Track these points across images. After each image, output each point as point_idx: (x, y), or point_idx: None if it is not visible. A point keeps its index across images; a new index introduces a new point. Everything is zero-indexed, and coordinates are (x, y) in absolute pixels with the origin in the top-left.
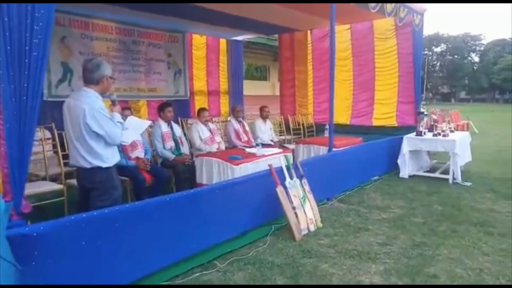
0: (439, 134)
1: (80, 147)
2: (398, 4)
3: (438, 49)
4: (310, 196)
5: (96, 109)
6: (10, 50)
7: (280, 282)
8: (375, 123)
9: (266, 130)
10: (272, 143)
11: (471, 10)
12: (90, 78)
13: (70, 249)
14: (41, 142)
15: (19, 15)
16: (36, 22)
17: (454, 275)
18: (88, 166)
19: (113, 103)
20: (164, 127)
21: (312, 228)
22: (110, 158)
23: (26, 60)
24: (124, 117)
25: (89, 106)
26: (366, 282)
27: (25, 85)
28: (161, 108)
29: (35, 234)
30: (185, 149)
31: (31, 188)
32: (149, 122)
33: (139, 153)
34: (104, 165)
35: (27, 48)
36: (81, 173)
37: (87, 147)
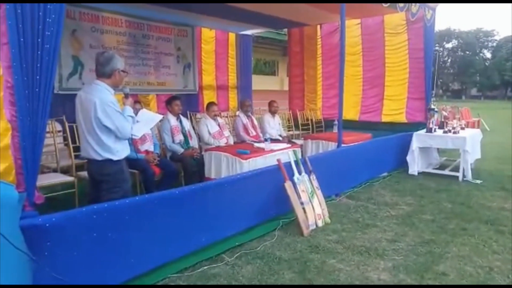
0: (450, 131)
1: (91, 140)
2: None
3: (449, 45)
4: (319, 191)
5: (107, 103)
6: (23, 42)
7: (287, 276)
8: (385, 119)
9: (274, 125)
10: (280, 138)
11: (484, 6)
12: (102, 71)
13: (82, 240)
14: (52, 134)
15: (32, 7)
16: (49, 14)
17: (464, 273)
18: (99, 158)
19: (126, 96)
20: (173, 120)
21: (320, 223)
22: (120, 151)
23: (39, 52)
24: (136, 110)
25: (100, 100)
26: (374, 278)
27: (38, 77)
28: (169, 101)
29: (47, 225)
30: (194, 142)
31: (42, 180)
32: (160, 116)
33: (148, 146)
34: (114, 158)
35: (39, 40)
36: (92, 165)
37: (98, 140)
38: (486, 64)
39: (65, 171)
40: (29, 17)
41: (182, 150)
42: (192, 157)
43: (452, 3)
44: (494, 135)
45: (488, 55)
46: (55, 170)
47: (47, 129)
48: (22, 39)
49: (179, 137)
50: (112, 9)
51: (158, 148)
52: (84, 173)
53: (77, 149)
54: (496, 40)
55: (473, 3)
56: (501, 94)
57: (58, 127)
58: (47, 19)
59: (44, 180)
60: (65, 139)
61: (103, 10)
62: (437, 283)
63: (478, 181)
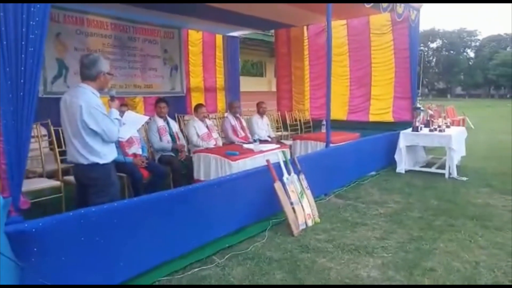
0: (435, 129)
1: (77, 144)
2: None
3: (434, 45)
4: (308, 191)
5: (93, 106)
6: (6, 45)
7: (278, 276)
8: (372, 118)
9: (263, 126)
10: (269, 139)
11: (467, 6)
12: (87, 74)
13: (69, 245)
14: (37, 138)
15: (15, 9)
16: (32, 17)
17: (451, 268)
18: (85, 162)
19: (112, 98)
20: (160, 122)
21: (310, 223)
22: (107, 154)
23: (23, 56)
24: (122, 113)
25: (85, 103)
26: (364, 276)
27: (22, 81)
28: (155, 104)
29: (34, 230)
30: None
31: (28, 185)
32: (146, 118)
33: (136, 149)
34: (101, 162)
35: (23, 43)
36: (79, 169)
37: (84, 143)
38: (470, 63)
39: (51, 175)
40: (12, 20)
41: (170, 146)
42: (179, 152)
43: (434, 3)
44: (479, 133)
45: (471, 54)
46: (40, 175)
47: (32, 134)
48: (5, 42)
49: (167, 138)
50: (97, 12)
51: (146, 150)
52: (71, 178)
53: (63, 153)
54: (479, 39)
55: (454, 3)
56: (485, 92)
57: (43, 131)
58: (31, 22)
59: (30, 185)
60: (50, 143)
61: (88, 12)
62: (425, 279)
63: (464, 178)
